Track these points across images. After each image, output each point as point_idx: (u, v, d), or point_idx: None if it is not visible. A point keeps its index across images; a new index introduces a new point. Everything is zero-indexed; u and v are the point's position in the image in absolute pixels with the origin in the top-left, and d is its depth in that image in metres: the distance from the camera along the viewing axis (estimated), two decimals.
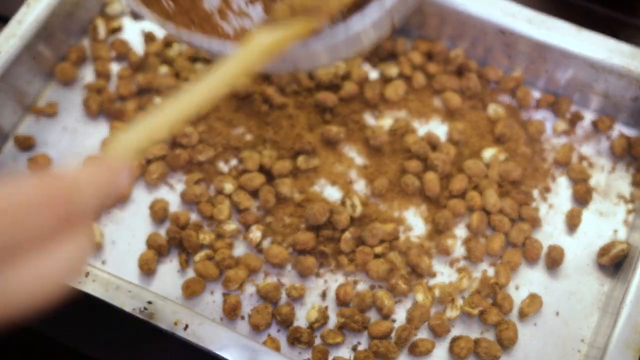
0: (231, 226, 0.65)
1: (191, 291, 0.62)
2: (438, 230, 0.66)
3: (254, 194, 0.67)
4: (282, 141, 0.69)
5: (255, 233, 0.65)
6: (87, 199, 0.29)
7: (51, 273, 0.28)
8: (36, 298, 0.28)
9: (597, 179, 0.70)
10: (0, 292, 0.26)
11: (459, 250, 0.66)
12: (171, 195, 0.68)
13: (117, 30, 0.76)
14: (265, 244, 0.65)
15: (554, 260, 0.65)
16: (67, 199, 0.28)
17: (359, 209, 0.65)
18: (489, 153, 0.69)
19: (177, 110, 0.36)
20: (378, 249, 0.65)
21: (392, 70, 0.74)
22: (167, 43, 0.75)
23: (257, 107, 0.71)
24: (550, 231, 0.67)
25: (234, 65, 0.38)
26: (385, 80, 0.74)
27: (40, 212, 0.27)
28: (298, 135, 0.70)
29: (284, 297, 0.63)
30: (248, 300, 0.63)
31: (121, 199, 0.66)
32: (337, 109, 0.71)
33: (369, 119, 0.72)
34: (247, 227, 0.66)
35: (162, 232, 0.66)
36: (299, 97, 0.72)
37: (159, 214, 0.66)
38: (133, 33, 0.77)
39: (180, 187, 0.68)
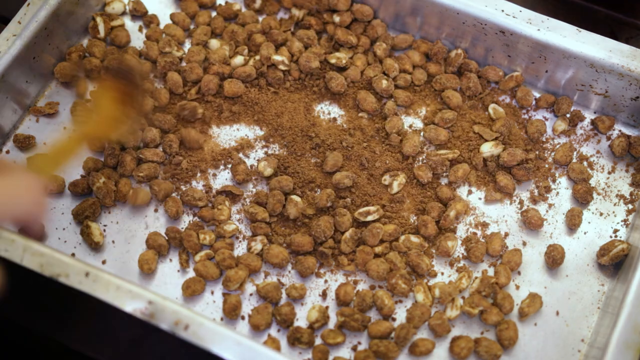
0: (231, 226, 0.65)
1: (191, 291, 0.62)
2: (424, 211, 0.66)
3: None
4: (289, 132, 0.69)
5: (258, 244, 0.65)
6: None
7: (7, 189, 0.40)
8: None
9: (597, 179, 0.70)
10: None
11: (459, 250, 0.66)
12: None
13: (116, 30, 0.76)
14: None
15: (554, 260, 0.65)
16: None
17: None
18: (487, 147, 0.69)
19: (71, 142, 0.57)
20: (378, 249, 0.65)
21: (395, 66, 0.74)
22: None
23: (255, 97, 0.72)
24: (550, 231, 0.67)
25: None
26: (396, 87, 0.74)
27: None
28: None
29: (284, 297, 0.63)
30: (248, 300, 0.63)
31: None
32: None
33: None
34: (253, 234, 0.66)
35: (162, 232, 0.66)
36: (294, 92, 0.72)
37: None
38: (133, 32, 0.77)
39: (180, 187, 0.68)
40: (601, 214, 0.68)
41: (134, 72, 0.62)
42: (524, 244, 0.67)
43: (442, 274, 0.65)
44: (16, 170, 0.42)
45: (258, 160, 0.69)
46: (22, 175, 0.42)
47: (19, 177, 0.41)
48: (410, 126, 0.72)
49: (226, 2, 0.78)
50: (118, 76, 0.61)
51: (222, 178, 0.69)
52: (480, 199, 0.69)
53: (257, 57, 0.74)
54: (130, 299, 0.55)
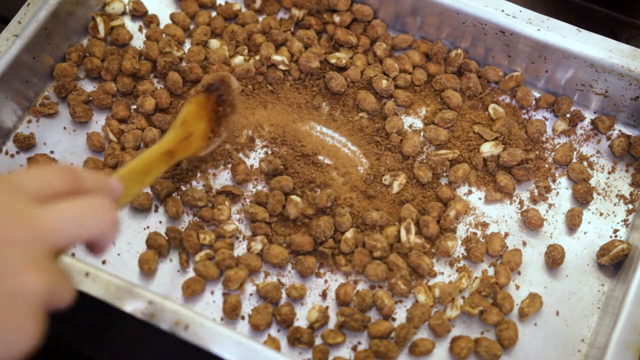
0: (231, 226, 0.65)
1: (191, 291, 0.62)
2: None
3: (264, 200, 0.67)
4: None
5: (258, 244, 0.65)
6: (89, 182, 0.42)
7: (80, 209, 0.39)
8: (76, 225, 0.39)
9: (597, 179, 0.70)
10: (51, 218, 0.38)
11: (459, 250, 0.66)
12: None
13: (117, 29, 0.76)
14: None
15: (554, 260, 0.65)
16: (74, 176, 0.41)
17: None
18: (487, 147, 0.69)
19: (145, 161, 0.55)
20: (377, 253, 0.64)
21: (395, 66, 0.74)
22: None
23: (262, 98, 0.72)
24: (550, 231, 0.67)
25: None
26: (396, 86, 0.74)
27: (58, 177, 0.40)
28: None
29: (284, 297, 0.63)
30: (248, 300, 0.63)
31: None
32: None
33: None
34: (253, 234, 0.66)
35: (162, 232, 0.66)
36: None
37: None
38: (133, 32, 0.77)
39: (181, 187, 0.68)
40: (601, 214, 0.68)
41: (231, 89, 0.63)
42: (524, 244, 0.67)
43: (442, 274, 0.65)
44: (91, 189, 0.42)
45: (261, 159, 0.68)
46: (97, 194, 0.41)
47: (94, 196, 0.41)
48: (410, 126, 0.72)
49: (226, 2, 0.78)
50: (214, 92, 0.62)
51: (222, 178, 0.69)
52: (480, 199, 0.69)
53: (257, 57, 0.74)
54: (130, 299, 0.55)
